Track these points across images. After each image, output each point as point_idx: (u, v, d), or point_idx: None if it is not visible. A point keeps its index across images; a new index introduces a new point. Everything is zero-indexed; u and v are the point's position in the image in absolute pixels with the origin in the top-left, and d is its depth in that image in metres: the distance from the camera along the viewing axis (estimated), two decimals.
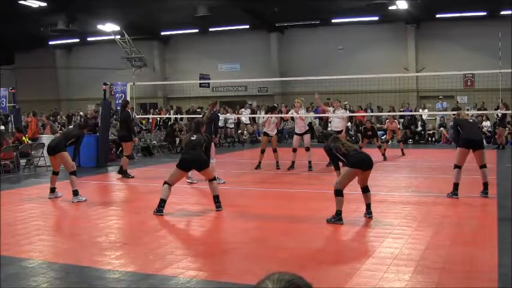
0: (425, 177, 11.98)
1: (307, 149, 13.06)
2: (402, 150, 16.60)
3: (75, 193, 9.00)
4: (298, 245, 6.09)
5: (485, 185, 8.82)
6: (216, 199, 7.95)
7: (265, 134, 13.46)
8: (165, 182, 7.87)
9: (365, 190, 7.42)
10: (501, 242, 5.87)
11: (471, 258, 5.44)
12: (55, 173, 9.39)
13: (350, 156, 7.13)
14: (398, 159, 15.85)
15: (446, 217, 7.52)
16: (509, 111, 17.95)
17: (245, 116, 23.40)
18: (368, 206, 7.40)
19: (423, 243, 5.98)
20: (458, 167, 8.78)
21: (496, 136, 19.91)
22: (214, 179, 8.13)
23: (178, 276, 4.95)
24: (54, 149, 9.23)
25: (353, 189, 10.35)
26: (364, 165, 7.20)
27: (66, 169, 9.21)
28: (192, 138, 8.08)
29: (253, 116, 24.13)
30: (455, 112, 21.06)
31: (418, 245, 5.93)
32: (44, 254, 5.77)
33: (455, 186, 8.78)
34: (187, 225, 7.30)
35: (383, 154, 15.29)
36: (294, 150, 13.24)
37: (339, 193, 7.11)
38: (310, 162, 13.04)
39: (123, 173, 12.16)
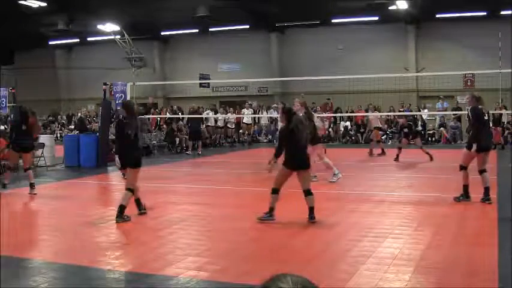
0: (425, 177, 11.98)
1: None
2: (428, 153, 15.02)
3: (33, 186, 9.60)
4: (298, 245, 6.09)
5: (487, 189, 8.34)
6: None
7: None
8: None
9: (307, 193, 7.13)
10: (501, 242, 5.87)
11: (471, 258, 5.44)
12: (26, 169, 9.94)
13: (289, 153, 7.10)
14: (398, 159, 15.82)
15: (446, 217, 7.52)
16: (508, 111, 17.95)
17: (246, 116, 23.39)
18: (311, 209, 7.09)
19: (423, 243, 5.98)
20: (465, 168, 8.32)
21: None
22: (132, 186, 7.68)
23: (178, 276, 4.95)
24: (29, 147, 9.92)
25: (352, 189, 10.37)
26: (293, 164, 7.08)
27: (26, 164, 9.61)
28: (129, 131, 7.50)
29: (254, 116, 24.14)
30: (455, 112, 21.18)
31: (418, 245, 5.93)
32: (44, 254, 5.77)
33: (465, 188, 8.33)
34: (187, 225, 7.30)
35: (427, 153, 14.64)
36: None
37: (274, 191, 7.13)
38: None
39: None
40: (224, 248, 6.09)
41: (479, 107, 8.24)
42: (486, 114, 8.35)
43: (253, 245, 6.25)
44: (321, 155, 11.09)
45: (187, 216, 7.86)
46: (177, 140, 19.57)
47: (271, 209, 7.14)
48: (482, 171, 8.27)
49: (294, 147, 7.08)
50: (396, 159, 14.80)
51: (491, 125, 20.30)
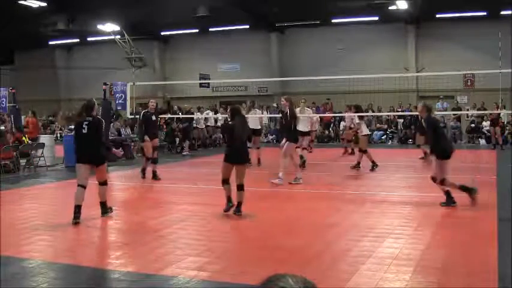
0: (425, 177, 11.96)
1: (303, 149, 13.56)
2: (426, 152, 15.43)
3: None
4: (298, 245, 6.08)
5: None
6: (103, 205, 7.65)
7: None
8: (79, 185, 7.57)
9: (238, 188, 7.65)
10: (501, 242, 5.87)
11: (471, 258, 5.44)
12: None
13: (229, 146, 7.75)
14: (396, 159, 15.83)
15: (446, 217, 7.52)
16: (508, 111, 17.95)
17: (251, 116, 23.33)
18: (239, 204, 7.65)
19: (423, 243, 5.98)
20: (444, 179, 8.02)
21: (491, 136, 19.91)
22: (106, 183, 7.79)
23: (178, 276, 4.95)
24: None
25: (352, 190, 10.36)
26: (232, 158, 7.64)
27: None
28: (84, 131, 7.50)
29: (254, 116, 24.06)
30: (455, 112, 21.18)
31: (418, 245, 5.93)
32: (44, 254, 5.77)
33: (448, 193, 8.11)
34: (187, 225, 7.30)
35: (425, 152, 14.68)
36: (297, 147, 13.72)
37: (223, 182, 7.73)
38: (304, 161, 13.53)
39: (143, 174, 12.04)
40: (224, 248, 6.09)
41: (432, 115, 8.30)
42: (441, 123, 8.40)
43: (253, 245, 6.25)
44: (289, 153, 10.74)
45: (187, 216, 7.86)
46: (177, 140, 19.59)
47: (229, 198, 7.74)
48: (442, 181, 8.09)
49: (234, 143, 7.69)
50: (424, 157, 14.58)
51: (486, 125, 20.19)
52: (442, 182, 8.03)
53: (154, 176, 11.83)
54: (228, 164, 7.68)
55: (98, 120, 7.65)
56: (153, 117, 11.99)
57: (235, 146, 7.69)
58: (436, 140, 8.07)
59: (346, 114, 17.85)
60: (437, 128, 8.32)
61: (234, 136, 7.65)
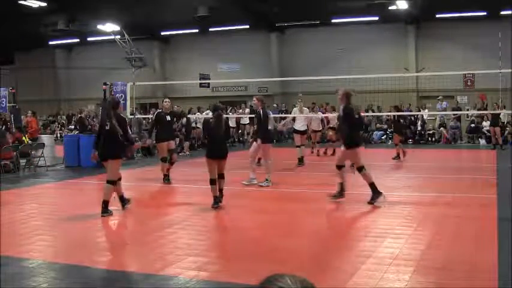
0: (425, 177, 11.97)
1: (302, 145, 14.05)
2: (403, 152, 15.23)
3: None
4: (298, 245, 6.09)
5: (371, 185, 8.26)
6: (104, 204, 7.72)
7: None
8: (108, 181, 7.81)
9: (219, 176, 8.24)
10: (501, 242, 5.86)
11: (471, 258, 5.44)
12: None
13: (208, 142, 8.28)
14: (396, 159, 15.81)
15: (446, 217, 7.52)
16: (508, 111, 17.95)
17: (245, 116, 23.36)
18: (220, 190, 8.23)
19: (423, 243, 5.98)
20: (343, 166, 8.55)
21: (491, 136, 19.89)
22: (114, 182, 7.87)
23: (178, 276, 4.95)
24: None
25: (352, 189, 10.34)
26: (212, 155, 8.12)
27: None
28: (107, 128, 7.76)
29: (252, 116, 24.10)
30: (455, 112, 21.17)
31: (418, 245, 5.92)
32: (44, 254, 5.77)
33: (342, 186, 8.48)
34: (188, 225, 7.30)
35: (403, 151, 14.89)
36: (298, 146, 14.19)
37: (211, 182, 8.16)
38: (299, 158, 13.82)
39: (166, 179, 11.23)
40: (224, 248, 6.09)
41: (350, 105, 8.28)
42: (357, 114, 8.91)
43: (252, 245, 6.25)
44: (267, 155, 10.59)
45: (187, 216, 7.86)
46: (177, 140, 19.59)
47: (215, 197, 8.09)
48: (361, 169, 8.29)
49: (212, 139, 8.17)
50: (396, 157, 14.82)
51: (486, 125, 20.16)
52: (339, 168, 8.48)
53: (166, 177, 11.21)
54: (210, 160, 8.13)
55: (120, 118, 7.94)
56: (168, 118, 11.19)
57: (214, 141, 8.15)
58: (351, 130, 8.26)
59: (330, 115, 17.82)
60: (350, 118, 8.32)
61: (210, 132, 8.15)
